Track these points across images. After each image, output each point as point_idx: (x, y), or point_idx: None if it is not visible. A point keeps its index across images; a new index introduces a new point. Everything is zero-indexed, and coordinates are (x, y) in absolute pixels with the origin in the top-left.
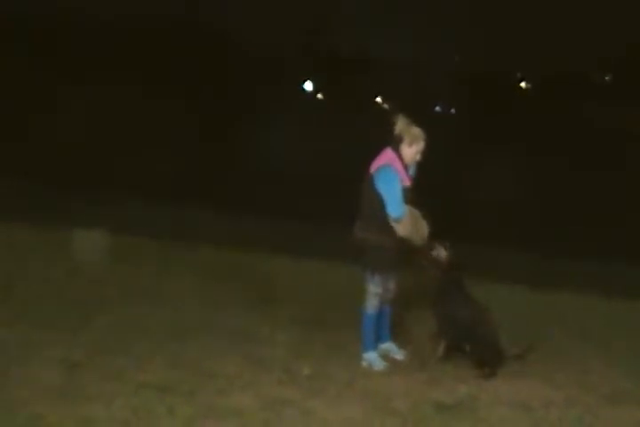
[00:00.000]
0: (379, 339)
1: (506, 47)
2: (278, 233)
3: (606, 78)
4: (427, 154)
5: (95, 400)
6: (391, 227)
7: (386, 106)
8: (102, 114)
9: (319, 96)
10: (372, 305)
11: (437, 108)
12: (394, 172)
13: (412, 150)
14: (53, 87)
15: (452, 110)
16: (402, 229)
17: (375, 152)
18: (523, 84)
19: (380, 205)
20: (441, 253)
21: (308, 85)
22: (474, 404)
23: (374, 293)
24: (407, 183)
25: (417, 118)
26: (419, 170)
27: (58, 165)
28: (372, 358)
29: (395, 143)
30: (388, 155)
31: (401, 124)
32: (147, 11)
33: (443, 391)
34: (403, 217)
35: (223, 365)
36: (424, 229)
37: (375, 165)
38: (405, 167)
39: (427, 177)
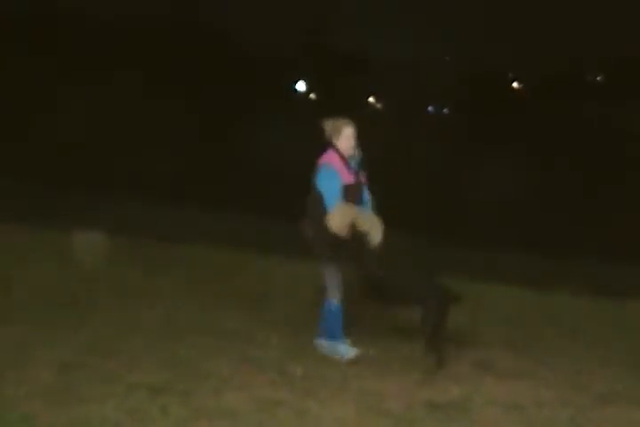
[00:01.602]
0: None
1: (505, 47)
2: (277, 233)
3: (606, 78)
4: (360, 142)
5: (88, 401)
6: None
7: (378, 106)
8: (102, 114)
9: (311, 96)
10: (334, 296)
11: (430, 109)
12: (332, 170)
13: (343, 140)
14: (53, 87)
15: (445, 110)
16: (332, 223)
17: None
18: (516, 85)
19: (319, 200)
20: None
21: (302, 85)
22: (466, 404)
23: (333, 284)
24: (350, 180)
25: (411, 119)
26: (420, 169)
27: (58, 165)
28: (341, 348)
29: (331, 144)
30: (327, 154)
31: (327, 127)
32: (147, 11)
33: (435, 392)
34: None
35: (217, 365)
36: (365, 224)
37: (317, 165)
38: (346, 163)
39: (427, 177)
